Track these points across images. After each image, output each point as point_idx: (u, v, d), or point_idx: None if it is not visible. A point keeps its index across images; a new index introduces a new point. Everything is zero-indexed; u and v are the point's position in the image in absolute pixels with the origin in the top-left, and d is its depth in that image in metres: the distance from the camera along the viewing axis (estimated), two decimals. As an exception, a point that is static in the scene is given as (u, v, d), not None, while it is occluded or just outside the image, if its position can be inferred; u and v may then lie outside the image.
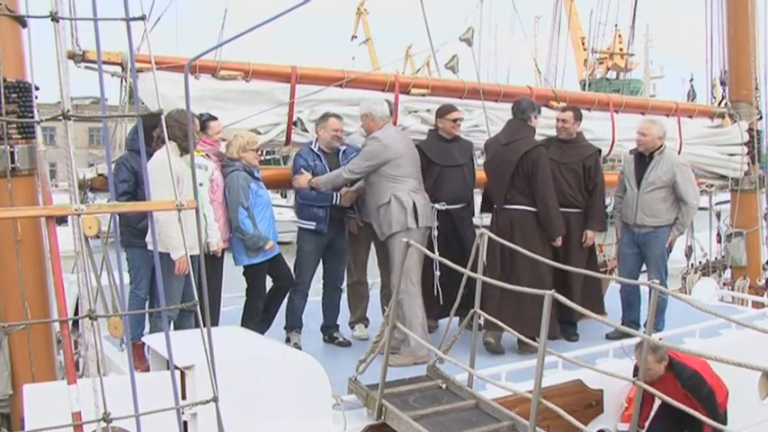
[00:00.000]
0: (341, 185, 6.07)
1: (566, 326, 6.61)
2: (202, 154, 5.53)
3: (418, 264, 5.82)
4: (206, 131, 5.60)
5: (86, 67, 5.14)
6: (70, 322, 2.78)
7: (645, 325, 3.98)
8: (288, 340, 6.20)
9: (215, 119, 5.67)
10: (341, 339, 6.39)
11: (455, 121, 6.45)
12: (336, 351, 6.16)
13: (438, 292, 6.27)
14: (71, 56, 5.05)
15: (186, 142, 4.93)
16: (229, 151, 5.75)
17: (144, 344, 5.04)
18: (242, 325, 5.70)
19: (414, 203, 5.79)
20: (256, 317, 5.94)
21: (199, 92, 5.78)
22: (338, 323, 6.53)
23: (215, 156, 5.70)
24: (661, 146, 6.54)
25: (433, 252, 5.69)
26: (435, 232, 6.22)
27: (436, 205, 6.28)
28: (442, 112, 6.49)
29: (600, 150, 6.85)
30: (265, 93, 6.18)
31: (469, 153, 6.56)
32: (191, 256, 3.86)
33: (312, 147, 6.23)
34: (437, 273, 6.20)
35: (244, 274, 5.94)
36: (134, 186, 5.22)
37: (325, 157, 6.17)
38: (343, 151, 6.27)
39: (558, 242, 6.22)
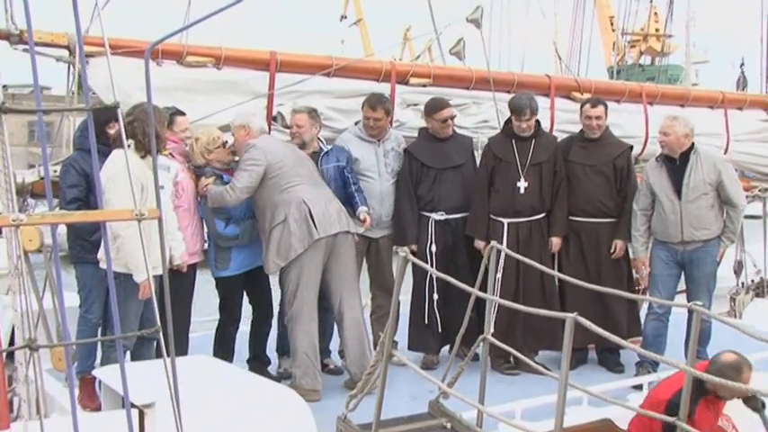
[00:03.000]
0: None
1: (607, 354, 6.51)
2: (166, 153, 5.51)
3: (311, 286, 5.73)
4: (171, 127, 5.59)
5: (24, 50, 5.12)
6: (4, 354, 2.76)
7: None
8: (279, 366, 6.27)
9: (183, 114, 5.68)
10: (331, 366, 6.36)
11: (445, 121, 6.35)
12: (325, 380, 6.12)
13: (432, 319, 6.28)
14: (5, 36, 5.04)
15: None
16: (194, 157, 5.74)
17: (95, 378, 5.00)
18: (214, 354, 5.69)
19: (309, 211, 5.64)
20: (230, 343, 5.95)
21: (162, 81, 5.77)
22: (330, 348, 6.49)
23: (180, 155, 5.69)
24: (692, 145, 6.41)
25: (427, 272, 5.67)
26: (433, 248, 6.21)
27: (434, 215, 6.27)
28: (430, 109, 6.39)
29: (631, 147, 6.81)
30: (240, 83, 6.19)
31: (470, 150, 6.53)
32: (153, 276, 3.83)
33: None
34: (435, 296, 6.23)
35: (216, 288, 5.98)
36: (85, 192, 5.21)
37: None
38: (326, 153, 6.14)
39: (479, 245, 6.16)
